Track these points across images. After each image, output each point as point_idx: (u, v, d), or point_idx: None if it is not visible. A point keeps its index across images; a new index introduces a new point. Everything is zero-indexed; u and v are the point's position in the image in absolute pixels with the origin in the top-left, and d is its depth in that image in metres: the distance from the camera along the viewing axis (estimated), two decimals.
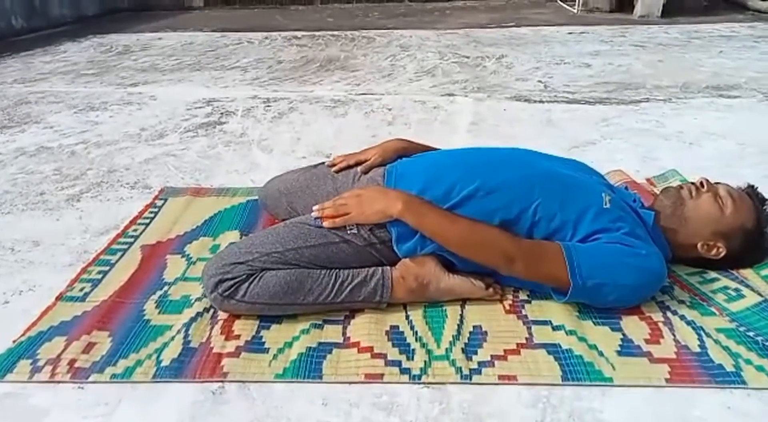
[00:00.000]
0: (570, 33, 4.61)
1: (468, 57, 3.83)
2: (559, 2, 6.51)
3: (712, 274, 1.31)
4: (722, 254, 1.25)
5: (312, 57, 4.00)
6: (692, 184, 1.30)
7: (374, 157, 1.45)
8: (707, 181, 1.29)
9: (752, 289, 1.23)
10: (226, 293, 1.16)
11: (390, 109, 2.71)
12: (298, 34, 4.98)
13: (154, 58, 4.14)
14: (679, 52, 3.77)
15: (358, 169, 1.43)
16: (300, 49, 4.32)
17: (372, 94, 3.00)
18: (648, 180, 1.81)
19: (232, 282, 1.16)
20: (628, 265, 1.13)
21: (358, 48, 4.27)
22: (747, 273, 1.30)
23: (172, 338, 1.15)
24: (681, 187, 1.31)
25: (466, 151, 1.40)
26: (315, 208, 1.25)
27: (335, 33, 4.97)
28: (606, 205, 1.20)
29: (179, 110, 2.78)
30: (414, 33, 4.85)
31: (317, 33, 4.99)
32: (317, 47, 4.36)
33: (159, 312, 1.25)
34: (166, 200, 1.80)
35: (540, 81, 3.15)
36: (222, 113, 2.72)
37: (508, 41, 4.35)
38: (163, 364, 1.08)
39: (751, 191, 1.32)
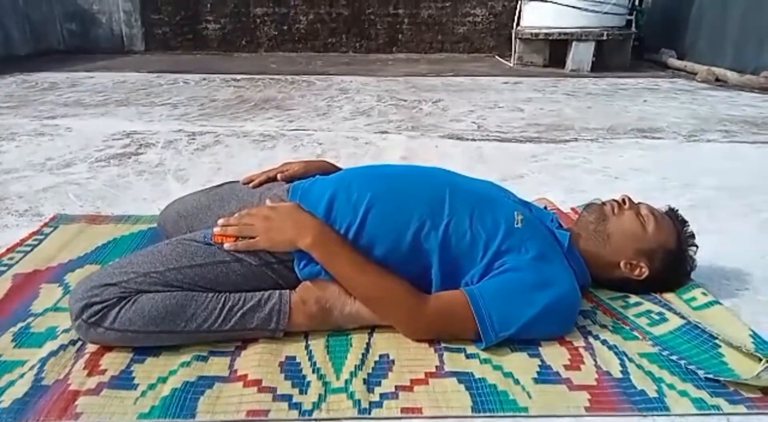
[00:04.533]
0: (505, 82, 4.75)
1: (405, 100, 3.85)
2: (497, 57, 6.79)
3: (635, 299, 1.24)
4: (645, 274, 1.20)
5: (248, 97, 3.92)
6: (615, 200, 1.26)
7: (297, 168, 1.37)
8: (629, 198, 1.26)
9: (675, 313, 1.17)
10: (92, 319, 0.99)
11: (320, 144, 2.64)
12: (238, 76, 4.92)
13: (80, 94, 3.96)
14: (606, 100, 3.92)
15: (279, 176, 1.35)
16: (237, 89, 4.24)
17: (304, 130, 2.92)
18: (573, 209, 1.77)
19: (100, 306, 1.00)
20: (539, 303, 1.04)
21: (297, 90, 4.24)
22: (670, 297, 1.24)
23: (22, 375, 0.97)
24: (604, 204, 1.27)
25: (374, 167, 1.32)
26: (219, 222, 1.12)
27: (276, 77, 4.94)
28: (517, 224, 1.13)
29: (94, 141, 2.61)
30: (354, 79, 4.88)
31: (257, 76, 4.95)
32: (255, 88, 4.29)
33: (14, 347, 1.06)
34: (56, 228, 1.61)
35: (474, 122, 3.17)
36: (141, 145, 2.57)
37: (446, 88, 4.42)
38: (1, 406, 0.90)
39: (672, 213, 1.29)
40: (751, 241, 1.60)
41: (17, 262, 1.40)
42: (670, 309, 1.19)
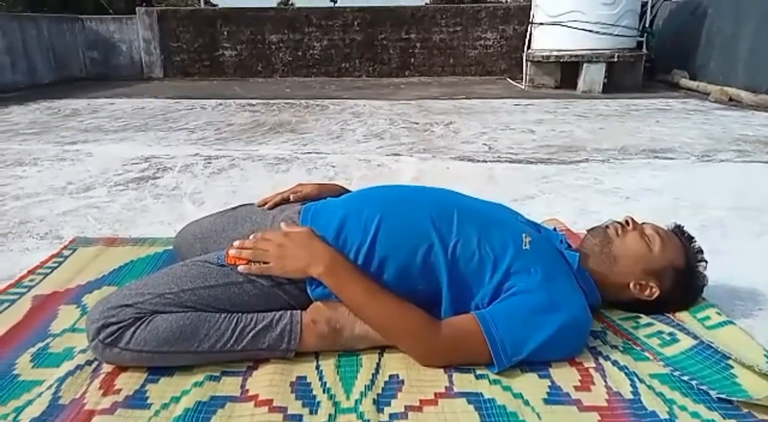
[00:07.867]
0: (517, 105, 4.79)
1: (417, 123, 3.89)
2: (508, 80, 6.84)
3: (646, 319, 1.24)
4: (656, 294, 1.19)
5: (263, 121, 4.00)
6: (618, 222, 1.26)
7: (310, 189, 1.40)
8: (632, 219, 1.26)
9: (687, 333, 1.16)
10: (109, 340, 1.02)
11: (334, 167, 2.68)
12: (253, 101, 5.03)
13: (101, 120, 4.07)
14: (618, 121, 3.93)
15: (291, 197, 1.37)
16: (252, 114, 4.33)
17: (318, 153, 2.97)
18: (588, 231, 1.77)
19: (116, 327, 1.02)
20: (551, 327, 1.05)
21: (311, 114, 4.31)
22: (683, 316, 1.23)
23: (40, 394, 0.99)
24: (607, 227, 1.27)
25: (384, 188, 1.34)
26: (235, 244, 1.14)
27: (290, 101, 5.04)
28: (525, 246, 1.13)
29: (113, 166, 2.68)
30: (368, 102, 4.96)
31: (272, 101, 5.05)
32: (270, 113, 4.38)
33: (33, 366, 1.09)
34: (75, 250, 1.65)
35: (485, 144, 3.19)
36: (158, 169, 2.63)
37: (458, 111, 4.47)
38: None
39: (678, 230, 1.29)
40: (765, 262, 1.59)
41: (37, 284, 1.44)
42: (682, 329, 1.18)
